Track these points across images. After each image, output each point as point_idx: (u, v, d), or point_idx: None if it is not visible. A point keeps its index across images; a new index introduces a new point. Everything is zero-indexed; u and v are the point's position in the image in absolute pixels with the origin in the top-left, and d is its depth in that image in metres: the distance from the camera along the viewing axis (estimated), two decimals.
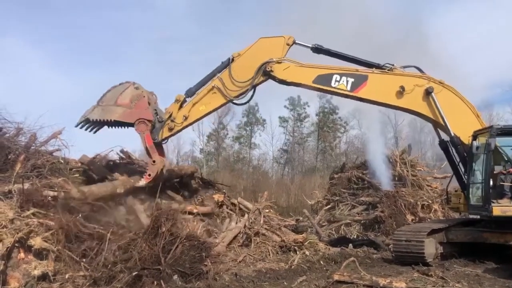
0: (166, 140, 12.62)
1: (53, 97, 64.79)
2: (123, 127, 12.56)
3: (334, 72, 11.92)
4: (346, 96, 12.14)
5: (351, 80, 11.77)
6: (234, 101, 12.44)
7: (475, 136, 10.93)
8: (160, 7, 79.99)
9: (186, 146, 49.62)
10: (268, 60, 11.90)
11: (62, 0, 78.84)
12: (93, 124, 12.11)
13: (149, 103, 12.04)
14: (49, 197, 9.42)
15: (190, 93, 12.30)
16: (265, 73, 11.94)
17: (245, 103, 12.84)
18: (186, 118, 12.07)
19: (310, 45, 12.53)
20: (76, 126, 12.08)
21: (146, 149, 11.95)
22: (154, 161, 11.65)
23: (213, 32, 78.83)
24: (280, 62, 11.97)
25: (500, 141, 10.80)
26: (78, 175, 12.58)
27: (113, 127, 12.52)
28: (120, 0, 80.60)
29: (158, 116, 12.09)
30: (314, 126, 52.81)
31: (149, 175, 11.54)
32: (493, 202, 10.15)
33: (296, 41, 12.43)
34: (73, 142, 12.98)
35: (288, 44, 12.27)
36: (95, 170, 12.45)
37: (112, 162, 13.52)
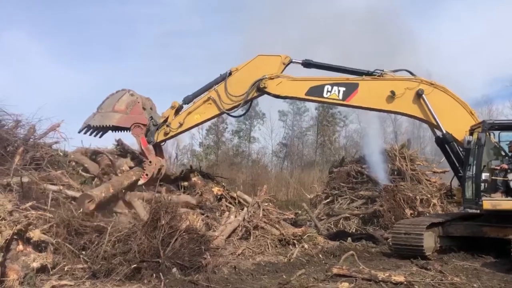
0: (163, 142, 13.39)
1: (56, 90, 64.78)
2: (121, 131, 13.42)
3: (325, 82, 12.22)
4: (339, 105, 12.42)
5: (342, 89, 12.03)
6: (230, 114, 13.24)
7: (471, 131, 10.99)
8: (164, 1, 79.75)
9: (185, 140, 49.41)
10: (261, 77, 12.31)
11: None
12: (95, 130, 12.89)
13: (144, 108, 12.81)
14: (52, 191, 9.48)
15: (188, 100, 12.97)
16: (259, 89, 12.41)
17: (241, 116, 13.37)
18: (181, 125, 12.76)
19: (301, 61, 12.86)
20: (79, 132, 12.94)
21: (142, 151, 12.69)
22: (150, 162, 12.43)
23: (217, 27, 78.70)
24: (272, 78, 12.33)
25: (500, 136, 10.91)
26: (75, 167, 12.61)
27: (113, 131, 13.37)
28: None
29: (152, 120, 12.79)
30: (314, 120, 52.72)
31: (146, 175, 12.38)
32: (486, 196, 10.25)
33: (293, 60, 12.79)
34: (72, 135, 13.14)
35: (284, 64, 12.69)
36: (90, 166, 12.63)
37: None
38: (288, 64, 12.76)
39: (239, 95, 12.49)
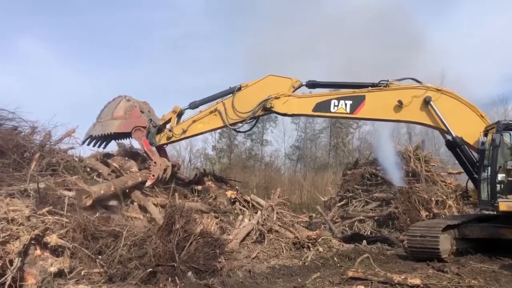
0: (165, 145, 13.53)
1: (70, 96, 65.58)
2: (123, 139, 13.77)
3: (332, 97, 12.26)
4: (348, 118, 12.44)
5: (349, 102, 12.04)
6: (234, 128, 13.40)
7: (486, 132, 10.90)
8: (175, 5, 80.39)
9: (198, 143, 49.74)
10: (267, 97, 12.37)
11: None
12: (97, 140, 13.15)
13: (142, 112, 13.01)
14: (68, 197, 9.59)
15: (194, 105, 13.21)
16: (266, 109, 12.49)
17: (246, 131, 13.48)
18: (184, 131, 12.95)
19: (304, 83, 12.92)
20: (82, 143, 13.13)
21: (146, 153, 12.87)
22: (155, 163, 12.55)
23: (228, 29, 79.02)
24: (278, 97, 12.38)
25: None
26: (90, 173, 12.72)
27: (116, 140, 13.70)
28: None
29: (152, 122, 12.99)
30: (326, 122, 52.45)
31: (153, 175, 12.48)
32: (502, 198, 10.13)
33: (303, 83, 12.86)
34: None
35: (293, 87, 12.73)
36: (104, 171, 12.74)
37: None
38: (298, 87, 12.84)
39: (245, 111, 12.59)
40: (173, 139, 13.16)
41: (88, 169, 12.81)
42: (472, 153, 11.41)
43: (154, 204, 11.68)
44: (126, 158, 13.31)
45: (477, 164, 11.19)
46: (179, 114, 13.31)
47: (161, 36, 79.73)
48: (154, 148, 12.89)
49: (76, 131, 13.07)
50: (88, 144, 13.19)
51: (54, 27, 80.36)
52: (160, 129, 13.16)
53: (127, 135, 13.18)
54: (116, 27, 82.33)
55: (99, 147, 13.40)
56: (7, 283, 6.75)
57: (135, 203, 11.70)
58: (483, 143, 10.72)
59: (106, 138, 13.24)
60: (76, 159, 12.74)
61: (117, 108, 12.93)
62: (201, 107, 13.33)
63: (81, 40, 78.90)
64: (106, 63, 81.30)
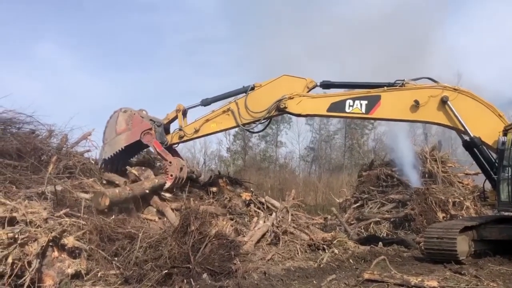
0: (176, 145, 13.51)
1: (86, 99, 66.43)
2: (137, 152, 13.87)
3: (347, 97, 12.10)
4: (363, 118, 12.26)
5: (364, 102, 11.87)
6: (247, 129, 13.38)
7: (505, 132, 10.73)
8: (191, 9, 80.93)
9: (212, 145, 49.98)
10: (281, 97, 12.26)
11: (93, 4, 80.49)
12: (113, 160, 12.95)
13: (142, 117, 12.97)
14: (84, 199, 9.72)
15: (205, 102, 13.10)
16: (279, 109, 12.37)
17: (259, 132, 13.33)
18: (196, 131, 12.87)
19: (319, 83, 12.74)
20: (100, 169, 12.90)
21: (159, 154, 12.84)
22: (170, 162, 12.50)
23: (243, 33, 79.23)
24: (292, 98, 12.27)
25: None
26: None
27: (131, 157, 13.79)
28: (151, 2, 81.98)
29: (155, 122, 12.95)
30: (341, 123, 52.23)
31: (171, 175, 12.40)
32: None
33: (318, 84, 12.69)
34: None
35: (308, 87, 12.57)
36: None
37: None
38: (313, 88, 12.67)
39: (258, 111, 12.49)
40: (185, 138, 13.07)
41: (104, 182, 12.79)
42: (490, 154, 11.24)
43: (171, 209, 11.73)
44: (143, 167, 13.33)
45: (496, 164, 11.03)
46: (184, 113, 13.22)
47: (175, 40, 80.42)
48: (165, 149, 12.87)
49: (92, 134, 13.26)
50: (106, 169, 12.88)
51: (70, 33, 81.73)
52: (166, 128, 13.15)
53: (138, 144, 12.99)
54: (130, 32, 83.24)
55: (116, 169, 13.06)
56: (26, 284, 6.88)
57: (151, 206, 11.81)
58: (503, 143, 10.55)
59: (119, 156, 13.01)
60: (92, 162, 12.89)
61: (118, 123, 12.85)
62: (213, 106, 13.20)
63: (97, 45, 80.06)
64: (121, 68, 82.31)
